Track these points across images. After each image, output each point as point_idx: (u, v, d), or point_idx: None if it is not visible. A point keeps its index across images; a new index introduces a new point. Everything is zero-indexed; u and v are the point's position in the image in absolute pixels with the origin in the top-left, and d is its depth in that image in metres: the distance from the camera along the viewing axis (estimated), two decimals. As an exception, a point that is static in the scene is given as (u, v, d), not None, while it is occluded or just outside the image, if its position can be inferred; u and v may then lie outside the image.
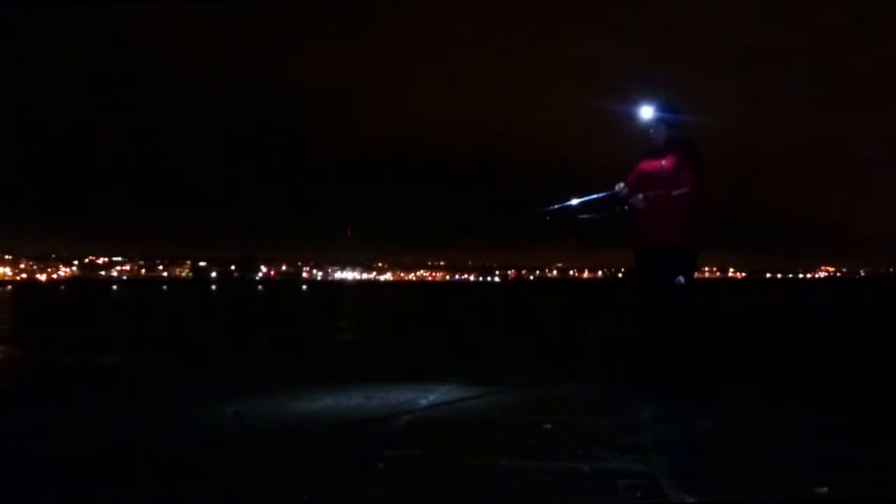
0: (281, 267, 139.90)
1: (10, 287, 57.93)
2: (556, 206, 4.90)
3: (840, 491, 2.65)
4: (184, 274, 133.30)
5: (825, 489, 2.63)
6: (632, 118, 4.83)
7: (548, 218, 4.93)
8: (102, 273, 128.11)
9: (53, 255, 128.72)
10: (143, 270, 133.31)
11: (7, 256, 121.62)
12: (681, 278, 4.54)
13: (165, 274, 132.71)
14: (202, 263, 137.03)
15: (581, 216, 4.89)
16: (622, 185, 4.82)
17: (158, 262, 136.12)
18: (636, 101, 4.81)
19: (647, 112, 4.76)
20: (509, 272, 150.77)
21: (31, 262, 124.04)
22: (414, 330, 12.06)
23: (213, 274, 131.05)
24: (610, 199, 4.84)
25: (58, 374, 6.18)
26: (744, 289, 49.17)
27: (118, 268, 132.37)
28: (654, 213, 4.62)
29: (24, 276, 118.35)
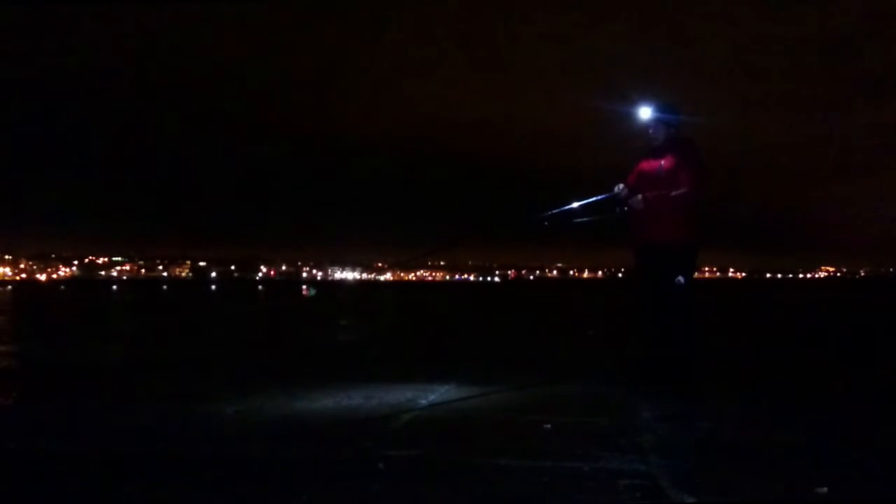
0: (281, 267, 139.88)
1: (10, 287, 57.92)
2: (556, 211, 4.90)
3: (840, 491, 2.66)
4: (184, 274, 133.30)
5: (825, 489, 2.64)
6: (631, 118, 4.83)
7: (546, 223, 4.94)
8: (102, 273, 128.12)
9: (53, 255, 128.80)
10: (143, 270, 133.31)
11: (7, 256, 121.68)
12: (680, 278, 4.54)
13: (165, 274, 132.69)
14: (202, 263, 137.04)
15: (576, 220, 4.89)
16: (621, 186, 4.83)
17: (158, 262, 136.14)
18: (635, 102, 4.82)
19: (645, 112, 4.77)
20: (509, 272, 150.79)
21: (31, 262, 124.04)
22: (414, 330, 12.06)
23: (213, 274, 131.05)
24: (610, 201, 4.85)
25: (57, 374, 6.19)
26: (744, 289, 49.16)
27: (118, 268, 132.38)
28: (654, 213, 4.62)
29: (23, 276, 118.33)
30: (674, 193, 4.54)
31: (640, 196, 4.67)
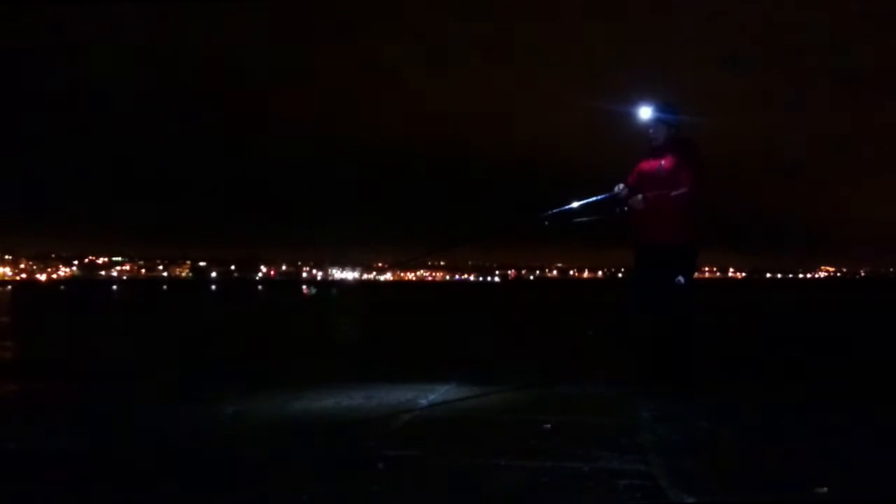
0: (281, 267, 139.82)
1: (9, 287, 57.90)
2: (555, 210, 4.90)
3: (840, 491, 2.66)
4: (184, 274, 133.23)
5: (825, 489, 2.64)
6: (631, 118, 4.83)
7: (546, 223, 4.94)
8: (102, 273, 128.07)
9: (53, 255, 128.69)
10: (143, 270, 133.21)
11: (7, 256, 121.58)
12: (680, 278, 4.54)
13: (165, 274, 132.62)
14: (202, 263, 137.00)
15: (576, 220, 4.89)
16: (621, 186, 4.83)
17: (158, 262, 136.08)
18: (635, 102, 4.81)
19: (645, 112, 4.76)
20: (509, 272, 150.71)
21: (31, 262, 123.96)
22: (414, 330, 12.06)
23: (213, 274, 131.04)
24: (610, 201, 4.85)
25: (56, 374, 6.18)
26: (743, 289, 49.15)
27: (118, 268, 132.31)
28: (654, 213, 4.62)
29: (24, 276, 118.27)
30: (674, 193, 4.53)
31: (640, 196, 4.67)
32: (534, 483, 2.75)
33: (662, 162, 4.66)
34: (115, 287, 56.76)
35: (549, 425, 3.69)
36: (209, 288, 54.86)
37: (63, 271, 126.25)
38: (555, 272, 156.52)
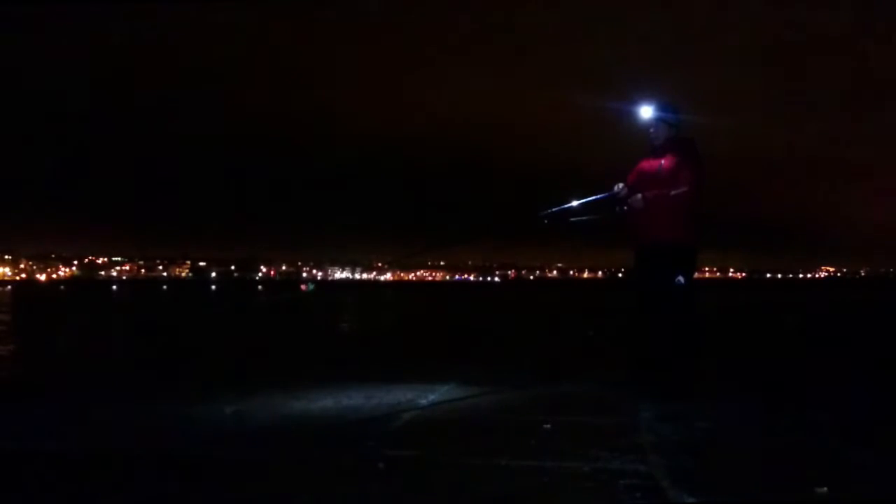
0: (281, 267, 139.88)
1: (9, 287, 57.89)
2: (555, 209, 4.90)
3: (840, 491, 2.65)
4: (184, 274, 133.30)
5: (825, 489, 2.64)
6: (631, 118, 4.82)
7: (546, 222, 4.93)
8: (102, 273, 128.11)
9: (53, 255, 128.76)
10: (143, 270, 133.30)
11: (7, 256, 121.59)
12: (680, 278, 4.53)
13: (165, 274, 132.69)
14: (202, 263, 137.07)
15: (573, 219, 4.88)
16: (621, 185, 4.82)
17: (158, 262, 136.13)
18: (636, 101, 4.81)
19: (646, 112, 4.75)
20: (509, 272, 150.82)
21: (31, 262, 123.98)
22: (414, 330, 12.06)
23: (213, 274, 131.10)
24: (609, 200, 4.84)
25: (57, 374, 6.19)
26: (744, 289, 49.14)
27: (118, 268, 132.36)
28: (653, 212, 4.61)
29: (24, 276, 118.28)
30: (673, 193, 4.53)
31: (639, 195, 4.66)
32: (534, 483, 2.75)
33: (662, 161, 4.65)
34: (114, 287, 56.76)
35: (549, 425, 3.68)
36: (209, 287, 54.86)
37: (63, 271, 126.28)
38: (555, 272, 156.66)
